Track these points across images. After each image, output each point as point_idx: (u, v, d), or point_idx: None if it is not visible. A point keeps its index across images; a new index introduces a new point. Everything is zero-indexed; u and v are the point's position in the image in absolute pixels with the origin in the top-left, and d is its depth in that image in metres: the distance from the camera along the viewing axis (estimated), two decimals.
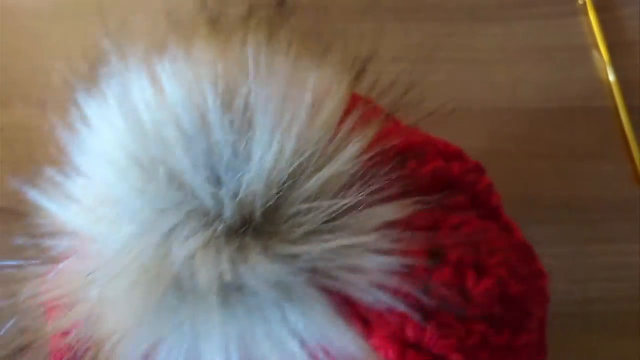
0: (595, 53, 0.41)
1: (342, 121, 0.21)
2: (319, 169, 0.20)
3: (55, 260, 0.22)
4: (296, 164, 0.20)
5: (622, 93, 0.39)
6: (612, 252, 0.36)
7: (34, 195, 0.23)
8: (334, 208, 0.20)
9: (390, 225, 0.20)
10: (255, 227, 0.20)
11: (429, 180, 0.22)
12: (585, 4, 0.42)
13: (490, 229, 0.23)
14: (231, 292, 0.19)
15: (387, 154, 0.21)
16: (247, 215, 0.20)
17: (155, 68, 0.22)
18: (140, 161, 0.21)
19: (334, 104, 0.21)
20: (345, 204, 0.20)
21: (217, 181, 0.20)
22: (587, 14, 0.42)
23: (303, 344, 0.20)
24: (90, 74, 0.23)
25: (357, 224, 0.20)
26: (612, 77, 0.40)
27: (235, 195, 0.20)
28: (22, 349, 0.22)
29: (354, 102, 0.22)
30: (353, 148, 0.21)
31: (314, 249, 0.19)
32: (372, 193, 0.20)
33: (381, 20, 0.42)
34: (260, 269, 0.19)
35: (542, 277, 0.24)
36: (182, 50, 0.22)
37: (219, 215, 0.20)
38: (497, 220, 0.24)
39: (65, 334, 0.21)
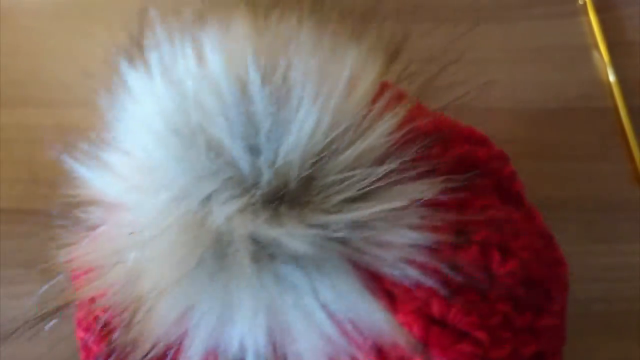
0: (595, 53, 0.41)
1: (374, 99, 0.22)
2: (353, 142, 0.21)
3: (89, 229, 0.23)
4: (332, 136, 0.21)
5: (622, 93, 0.39)
6: (612, 252, 0.36)
7: (71, 163, 0.23)
8: (367, 180, 0.21)
9: (419, 202, 0.21)
10: (290, 195, 0.21)
11: (455, 162, 0.23)
12: (585, 4, 0.42)
13: (514, 214, 0.24)
14: (263, 260, 0.20)
15: (417, 133, 0.22)
16: (282, 184, 0.21)
17: (198, 39, 0.23)
18: (180, 130, 0.22)
19: (368, 81, 0.22)
20: (378, 176, 0.21)
21: (254, 150, 0.21)
22: (587, 14, 0.42)
23: (331, 315, 0.20)
24: (133, 44, 0.24)
25: (388, 198, 0.21)
26: (612, 77, 0.40)
27: (272, 164, 0.21)
28: (59, 309, 0.23)
29: (383, 85, 0.23)
30: (386, 124, 0.22)
31: (345, 217, 0.20)
32: (402, 169, 0.21)
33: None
34: (293, 235, 0.20)
35: (562, 265, 0.25)
36: (224, 24, 0.23)
37: (255, 183, 0.21)
38: (520, 206, 0.25)
39: (97, 298, 0.22)
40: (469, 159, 0.24)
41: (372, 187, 0.21)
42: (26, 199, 0.38)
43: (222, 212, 0.20)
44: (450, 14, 0.43)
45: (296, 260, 0.20)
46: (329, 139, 0.21)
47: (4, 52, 0.42)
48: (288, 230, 0.20)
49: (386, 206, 0.20)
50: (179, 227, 0.20)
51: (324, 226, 0.20)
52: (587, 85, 0.40)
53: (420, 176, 0.21)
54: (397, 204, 0.21)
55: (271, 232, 0.20)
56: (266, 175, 0.21)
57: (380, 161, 0.21)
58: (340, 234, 0.20)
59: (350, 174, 0.21)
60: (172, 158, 0.21)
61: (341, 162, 0.21)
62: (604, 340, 0.33)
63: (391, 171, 0.21)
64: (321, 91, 0.21)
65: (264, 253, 0.20)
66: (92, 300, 0.22)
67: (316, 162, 0.21)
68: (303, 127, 0.21)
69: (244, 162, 0.21)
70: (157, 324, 0.20)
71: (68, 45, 0.42)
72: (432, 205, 0.21)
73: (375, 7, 0.26)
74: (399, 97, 0.23)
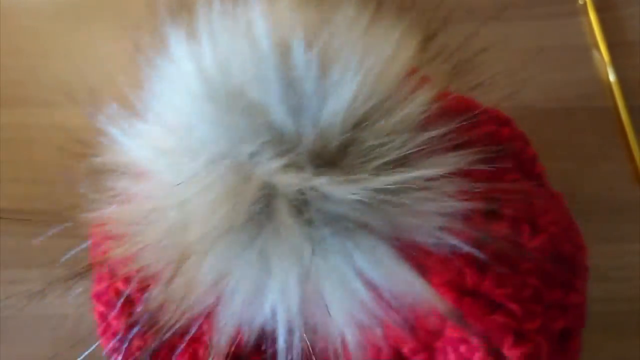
0: (595, 53, 0.41)
1: (409, 75, 0.23)
2: (391, 110, 0.22)
3: (117, 197, 0.23)
4: (371, 104, 0.22)
5: (622, 93, 0.39)
6: (612, 252, 0.36)
7: (105, 126, 0.23)
8: (405, 147, 0.21)
9: (453, 173, 0.21)
10: (330, 157, 0.21)
11: (482, 140, 0.23)
12: (585, 4, 0.42)
13: (540, 191, 0.25)
14: (303, 223, 0.20)
15: (448, 110, 0.23)
16: (323, 145, 0.21)
17: (246, 6, 0.23)
18: (218, 92, 0.22)
19: (405, 57, 0.23)
20: (415, 144, 0.21)
21: (296, 112, 0.21)
22: (587, 14, 0.42)
23: (366, 282, 0.20)
24: (178, 8, 0.24)
25: (424, 166, 0.21)
26: (612, 77, 0.40)
27: (314, 126, 0.21)
28: (86, 270, 0.23)
29: (413, 68, 0.24)
30: (422, 97, 0.22)
31: (382, 180, 0.20)
32: (437, 140, 0.22)
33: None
34: (332, 198, 0.20)
35: (583, 249, 0.25)
36: None
37: (297, 144, 0.21)
38: (543, 187, 0.25)
39: (120, 266, 0.22)
40: (495, 137, 0.25)
41: (410, 153, 0.21)
42: (26, 199, 0.38)
43: (265, 168, 0.20)
44: (450, 13, 0.43)
45: (333, 225, 0.20)
46: (369, 106, 0.22)
47: (4, 52, 0.42)
48: (329, 189, 0.20)
49: (423, 172, 0.21)
50: (221, 185, 0.21)
51: (363, 188, 0.20)
52: (587, 85, 0.40)
53: (454, 148, 0.22)
54: (433, 172, 0.21)
55: (313, 188, 0.20)
56: (308, 137, 0.21)
57: (417, 131, 0.22)
58: (377, 197, 0.20)
59: (388, 139, 0.21)
60: (208, 121, 0.21)
61: (380, 129, 0.21)
62: (604, 340, 0.33)
63: (428, 140, 0.21)
64: (362, 62, 0.22)
65: (304, 217, 0.20)
66: (115, 269, 0.22)
67: (356, 126, 0.21)
68: (344, 93, 0.21)
69: (285, 123, 0.21)
70: (192, 290, 0.20)
71: (68, 45, 0.42)
72: (465, 176, 0.21)
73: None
74: (426, 80, 0.24)
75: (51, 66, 0.42)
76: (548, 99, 0.40)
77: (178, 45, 0.23)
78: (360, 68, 0.22)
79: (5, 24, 0.43)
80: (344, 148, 0.21)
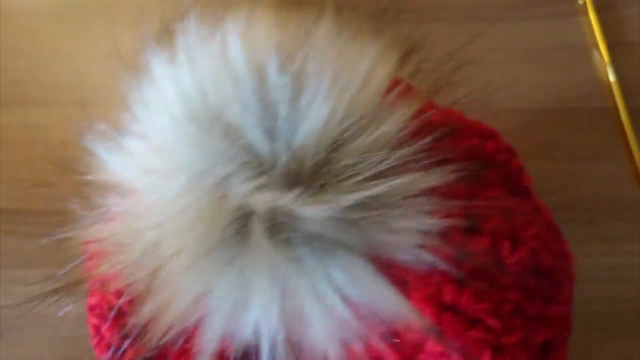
0: (595, 53, 0.41)
1: (387, 91, 0.23)
2: (367, 129, 0.22)
3: (105, 213, 0.23)
4: (346, 124, 0.22)
5: (622, 93, 0.39)
6: (612, 252, 0.36)
7: (91, 144, 0.24)
8: (380, 165, 0.21)
9: (431, 190, 0.21)
10: (305, 178, 0.21)
11: (465, 154, 0.23)
12: (585, 4, 0.42)
13: (523, 205, 0.24)
14: (279, 244, 0.20)
15: (429, 124, 0.23)
16: (298, 167, 0.21)
17: (222, 29, 0.23)
18: (198, 115, 0.22)
19: (383, 74, 0.23)
20: (390, 162, 0.21)
21: (271, 135, 0.22)
22: (587, 14, 0.42)
23: (344, 299, 0.20)
24: (161, 32, 0.25)
25: (400, 185, 0.21)
26: (612, 77, 0.40)
27: (289, 147, 0.22)
28: (77, 284, 0.24)
29: (395, 81, 0.24)
30: (399, 114, 0.22)
31: (357, 196, 0.21)
32: (415, 157, 0.22)
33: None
34: (308, 214, 0.20)
35: (569, 257, 0.25)
36: (247, 17, 0.24)
37: (272, 166, 0.21)
38: (528, 199, 0.25)
39: (110, 281, 0.22)
40: (478, 151, 0.25)
41: (385, 169, 0.21)
42: (26, 199, 0.38)
43: (240, 190, 0.21)
44: (451, 14, 0.43)
45: (310, 243, 0.20)
46: (343, 127, 0.22)
47: (4, 52, 0.42)
48: (304, 209, 0.20)
49: (397, 188, 0.21)
50: (197, 206, 0.21)
51: (337, 206, 0.20)
52: (587, 85, 0.40)
53: (432, 165, 0.22)
54: (409, 188, 0.21)
55: (288, 208, 0.20)
56: (283, 158, 0.21)
57: (394, 149, 0.22)
58: (353, 215, 0.20)
59: (363, 157, 0.21)
60: (189, 143, 0.22)
61: (355, 148, 0.22)
62: (604, 339, 0.33)
63: (404, 158, 0.21)
64: (337, 81, 0.22)
65: (280, 237, 0.20)
66: (105, 283, 0.23)
67: (331, 147, 0.22)
68: (319, 114, 0.22)
69: (260, 146, 0.22)
70: (173, 308, 0.21)
71: (68, 45, 0.42)
72: (444, 193, 0.21)
73: (383, 8, 0.26)
74: (410, 92, 0.24)
75: (51, 66, 0.42)
76: (548, 99, 0.40)
77: (159, 67, 0.24)
78: (334, 88, 0.22)
79: (5, 24, 0.43)
80: (319, 168, 0.21)
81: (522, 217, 0.23)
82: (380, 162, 0.21)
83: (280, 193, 0.21)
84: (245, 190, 0.21)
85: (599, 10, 0.42)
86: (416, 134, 0.22)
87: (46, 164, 0.38)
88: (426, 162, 0.22)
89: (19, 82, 0.41)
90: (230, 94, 0.22)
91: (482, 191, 0.23)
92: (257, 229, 0.20)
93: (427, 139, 0.22)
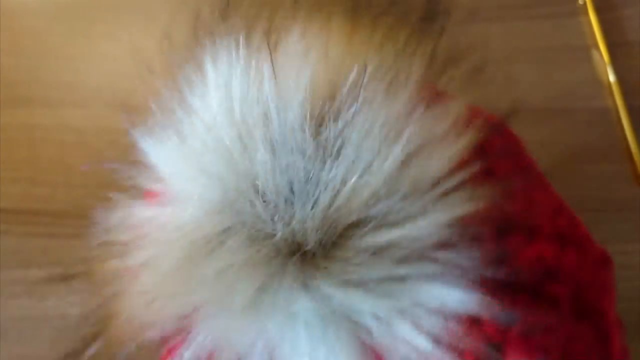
0: (595, 53, 0.41)
1: (445, 176, 0.18)
2: (391, 225, 0.18)
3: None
4: (366, 213, 0.18)
5: (622, 93, 0.39)
6: (612, 252, 0.36)
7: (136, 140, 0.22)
8: (390, 279, 0.18)
9: (447, 314, 0.18)
10: (303, 258, 0.19)
11: (528, 266, 0.20)
12: (585, 4, 0.42)
13: (584, 336, 0.21)
14: (261, 314, 0.18)
15: (483, 229, 0.18)
16: (297, 244, 0.19)
17: (263, 63, 0.20)
18: (221, 146, 0.20)
19: (441, 158, 0.18)
20: (405, 278, 0.17)
21: (286, 202, 0.19)
22: (587, 14, 0.42)
23: None
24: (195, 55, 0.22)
25: (411, 302, 0.18)
26: (612, 77, 0.40)
27: (289, 222, 0.19)
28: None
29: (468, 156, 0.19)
30: (441, 215, 0.18)
31: (355, 299, 0.18)
32: (446, 277, 0.18)
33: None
34: (294, 298, 0.18)
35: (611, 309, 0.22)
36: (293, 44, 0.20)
37: (270, 235, 0.19)
38: (596, 325, 0.21)
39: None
40: (547, 264, 0.20)
41: (396, 284, 0.18)
42: (26, 199, 0.38)
43: (227, 258, 0.19)
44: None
45: (294, 322, 0.18)
46: (360, 215, 0.18)
47: (4, 52, 0.42)
48: (288, 293, 0.18)
49: (404, 309, 0.18)
50: (186, 255, 0.19)
51: (330, 298, 0.18)
52: (587, 85, 0.40)
53: (456, 283, 0.18)
54: (421, 314, 0.18)
55: (269, 292, 0.18)
56: (280, 231, 0.19)
57: (419, 258, 0.18)
58: (345, 311, 0.18)
59: (375, 261, 0.18)
60: (207, 172, 0.20)
61: (368, 243, 0.18)
62: None
63: (427, 276, 0.18)
64: (372, 157, 0.18)
65: (264, 309, 0.19)
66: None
67: (341, 233, 0.19)
68: (338, 193, 0.18)
69: (262, 212, 0.19)
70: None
71: (68, 45, 0.42)
72: (468, 322, 0.18)
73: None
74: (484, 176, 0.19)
75: (51, 66, 0.42)
76: (548, 99, 0.40)
77: (191, 93, 0.21)
78: (368, 165, 0.18)
79: (5, 24, 0.43)
80: (323, 251, 0.19)
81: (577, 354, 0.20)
82: (392, 274, 0.18)
83: (269, 269, 0.18)
84: (227, 261, 0.19)
85: (599, 11, 0.42)
86: (461, 242, 0.18)
87: (46, 164, 0.38)
88: (457, 280, 0.18)
89: (19, 82, 0.41)
90: (254, 146, 0.19)
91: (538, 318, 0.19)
92: (235, 302, 0.18)
93: (474, 252, 0.17)
